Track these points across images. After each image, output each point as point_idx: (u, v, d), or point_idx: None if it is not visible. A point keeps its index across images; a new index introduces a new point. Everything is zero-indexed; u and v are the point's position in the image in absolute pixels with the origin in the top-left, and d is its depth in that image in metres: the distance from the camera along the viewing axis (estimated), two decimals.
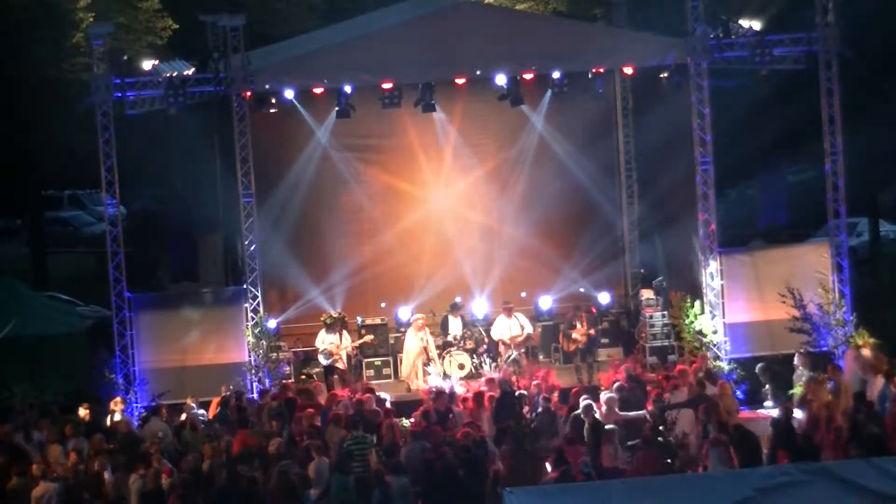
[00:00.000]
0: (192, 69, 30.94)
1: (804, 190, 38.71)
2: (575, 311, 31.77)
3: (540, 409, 26.14)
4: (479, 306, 32.81)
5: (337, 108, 31.14)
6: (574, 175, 33.72)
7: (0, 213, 49.25)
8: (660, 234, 34.00)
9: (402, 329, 32.23)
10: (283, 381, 29.82)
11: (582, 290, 33.43)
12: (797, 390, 27.48)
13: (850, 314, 30.11)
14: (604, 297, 33.11)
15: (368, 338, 32.19)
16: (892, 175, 39.73)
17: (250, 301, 30.21)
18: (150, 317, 30.27)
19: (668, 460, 23.41)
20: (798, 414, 25.49)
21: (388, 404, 27.71)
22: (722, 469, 22.63)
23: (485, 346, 31.59)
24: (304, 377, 30.94)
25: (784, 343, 29.94)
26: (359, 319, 32.78)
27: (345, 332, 31.68)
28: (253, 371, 29.79)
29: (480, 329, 32.06)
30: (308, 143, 32.87)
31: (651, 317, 31.89)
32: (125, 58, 32.61)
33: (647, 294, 32.88)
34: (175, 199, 36.87)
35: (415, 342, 31.14)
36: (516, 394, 27.05)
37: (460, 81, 31.21)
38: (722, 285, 30.60)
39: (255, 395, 29.02)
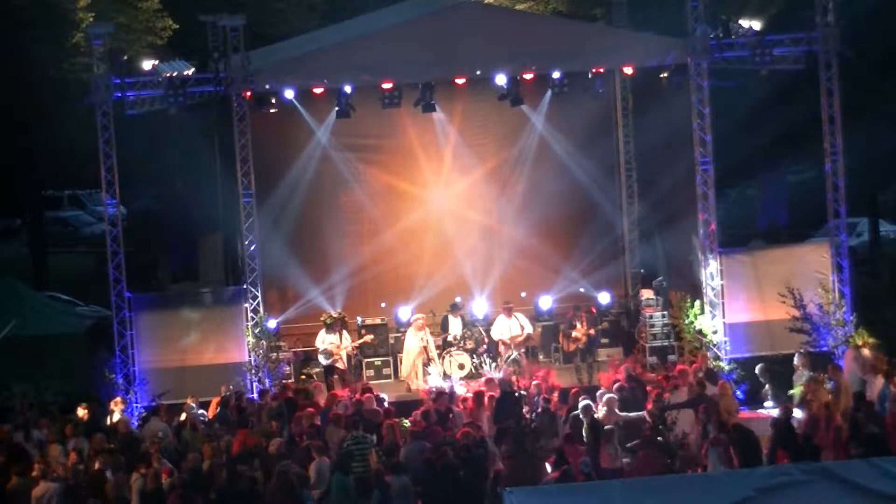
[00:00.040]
0: (192, 69, 30.94)
1: (804, 190, 38.73)
2: (575, 311, 31.78)
3: (540, 409, 26.14)
4: (479, 306, 32.82)
5: (337, 108, 31.15)
6: (574, 175, 33.73)
7: (0, 213, 49.22)
8: (660, 233, 34.01)
9: (402, 329, 32.23)
10: (283, 381, 29.83)
11: (582, 290, 33.44)
12: (797, 390, 27.48)
13: (850, 314, 30.12)
14: (604, 297, 33.12)
15: (368, 338, 32.20)
16: (892, 175, 39.76)
17: (250, 301, 30.22)
18: (150, 317, 30.27)
19: (668, 460, 23.41)
20: (798, 414, 25.51)
21: (385, 404, 27.70)
22: (722, 469, 22.64)
23: (485, 346, 31.60)
24: (304, 377, 30.95)
25: (784, 343, 29.94)
26: (359, 319, 32.78)
27: (345, 332, 31.69)
28: (253, 371, 29.79)
29: (480, 329, 32.06)
30: (308, 143, 32.87)
31: (651, 317, 31.90)
32: (125, 58, 32.60)
33: (647, 294, 32.89)
34: (175, 199, 36.86)
35: (415, 342, 31.15)
36: (516, 394, 27.05)
37: (460, 81, 31.22)
38: (722, 285, 30.60)
39: (255, 395, 29.02)
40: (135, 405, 29.19)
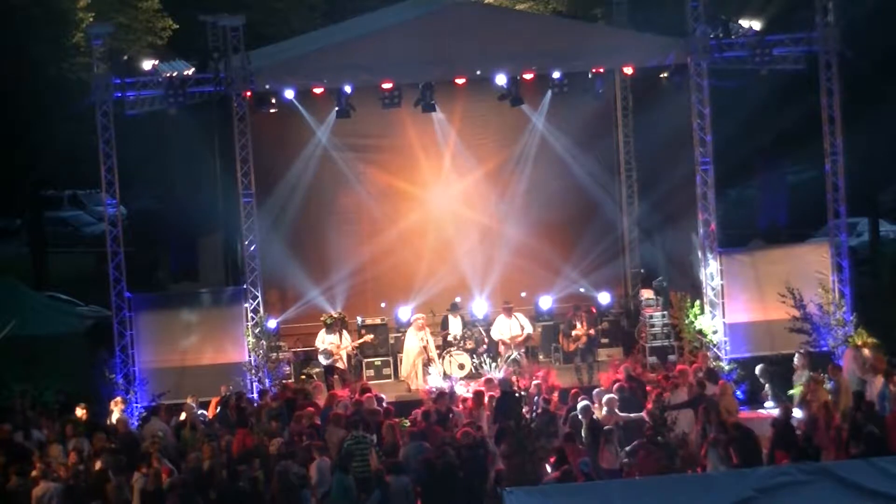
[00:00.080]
0: (192, 69, 30.92)
1: (804, 190, 38.71)
2: (575, 311, 31.77)
3: (540, 410, 26.13)
4: (479, 306, 32.81)
5: (337, 108, 31.14)
6: (574, 175, 33.73)
7: (0, 213, 49.22)
8: (660, 233, 34.00)
9: (402, 329, 32.23)
10: (283, 381, 29.82)
11: (582, 290, 33.43)
12: (797, 390, 27.49)
13: (849, 314, 30.10)
14: (604, 297, 33.11)
15: (368, 338, 32.19)
16: (892, 175, 39.74)
17: (250, 301, 30.20)
18: (150, 317, 30.25)
19: (668, 460, 23.40)
20: (798, 414, 25.51)
21: (384, 404, 27.69)
22: (721, 468, 22.64)
23: (485, 346, 31.59)
24: (304, 377, 30.93)
25: (784, 343, 29.92)
26: (359, 319, 32.77)
27: (345, 332, 31.69)
28: (253, 371, 29.77)
29: (480, 329, 32.05)
30: (308, 143, 32.87)
31: (651, 317, 31.90)
32: (125, 58, 32.63)
33: (647, 294, 32.89)
34: (175, 199, 36.86)
35: (415, 342, 31.14)
36: (516, 394, 27.05)
37: (460, 81, 31.19)
38: (722, 285, 30.59)
39: (255, 395, 29.01)
40: (135, 405, 29.18)
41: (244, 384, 29.42)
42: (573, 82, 31.22)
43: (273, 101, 30.72)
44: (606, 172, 34.36)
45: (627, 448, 24.38)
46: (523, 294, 33.58)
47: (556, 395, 27.51)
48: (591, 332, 31.33)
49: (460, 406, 27.10)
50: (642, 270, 34.63)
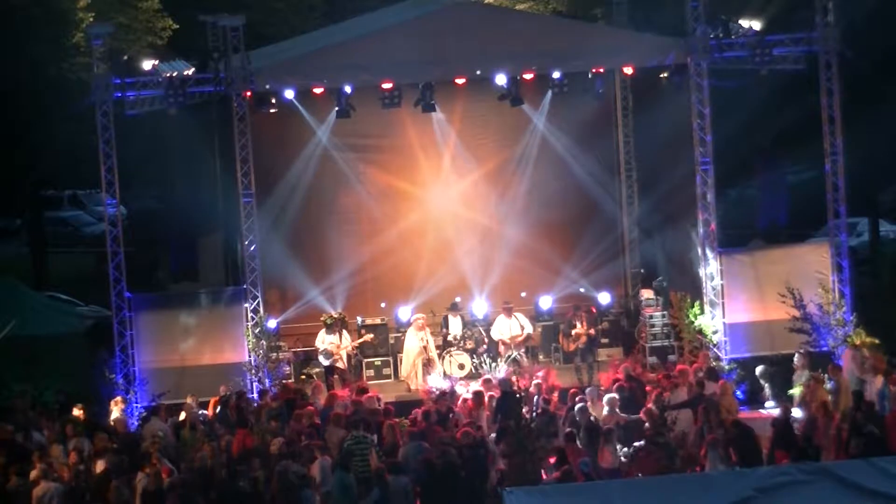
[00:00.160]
0: (192, 69, 30.92)
1: (804, 190, 38.70)
2: (575, 311, 31.76)
3: (540, 410, 26.14)
4: (479, 306, 32.81)
5: (337, 108, 31.14)
6: (574, 175, 33.74)
7: (0, 213, 49.23)
8: (660, 233, 34.00)
9: (402, 329, 32.23)
10: (283, 381, 29.83)
11: (582, 290, 33.43)
12: (797, 390, 27.50)
13: (849, 314, 30.11)
14: (604, 297, 33.11)
15: (368, 337, 32.19)
16: (892, 175, 39.76)
17: (250, 301, 30.20)
18: (150, 317, 30.25)
19: (668, 460, 23.40)
20: (798, 414, 25.51)
21: (382, 404, 27.67)
22: (721, 468, 22.65)
23: (485, 346, 31.59)
24: (304, 377, 30.94)
25: (784, 343, 29.93)
26: (359, 319, 32.77)
27: (345, 332, 31.69)
28: (253, 371, 29.77)
29: (480, 329, 32.05)
30: (308, 143, 32.86)
31: (651, 317, 31.90)
32: (125, 58, 32.60)
33: (647, 294, 32.90)
34: (175, 199, 36.87)
35: (415, 342, 31.15)
36: (516, 394, 27.05)
37: (460, 81, 31.19)
38: (722, 285, 30.59)
39: (255, 395, 29.02)
40: (135, 405, 29.18)
41: (244, 384, 29.41)
42: (573, 82, 31.22)
43: (273, 101, 30.71)
44: (606, 172, 34.37)
45: (625, 451, 24.39)
46: (523, 294, 33.58)
47: (556, 394, 27.51)
48: (591, 332, 31.33)
49: (460, 406, 27.10)
50: (642, 270, 34.64)
